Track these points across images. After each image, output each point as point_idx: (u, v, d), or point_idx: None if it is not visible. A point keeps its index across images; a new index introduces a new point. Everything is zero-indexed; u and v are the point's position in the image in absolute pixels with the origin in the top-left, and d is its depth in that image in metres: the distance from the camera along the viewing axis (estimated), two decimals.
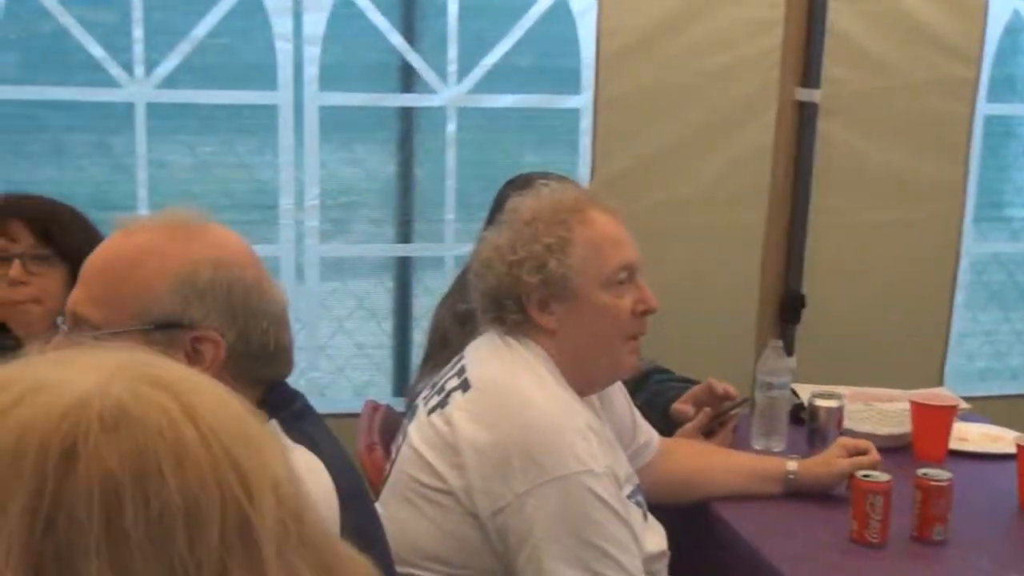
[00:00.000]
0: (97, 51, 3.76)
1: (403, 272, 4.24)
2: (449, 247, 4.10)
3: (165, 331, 1.68)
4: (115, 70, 3.78)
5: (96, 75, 3.77)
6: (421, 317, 4.07)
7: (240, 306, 1.72)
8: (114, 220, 1.82)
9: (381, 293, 4.26)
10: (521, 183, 3.09)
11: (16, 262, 2.67)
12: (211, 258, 1.72)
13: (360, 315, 4.22)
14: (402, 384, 4.09)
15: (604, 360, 2.48)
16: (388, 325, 4.26)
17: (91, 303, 1.71)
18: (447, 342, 3.08)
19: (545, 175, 3.12)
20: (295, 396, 1.83)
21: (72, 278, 2.68)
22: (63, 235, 2.69)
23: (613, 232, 2.43)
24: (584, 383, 2.46)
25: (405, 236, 4.17)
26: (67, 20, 3.73)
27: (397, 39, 3.95)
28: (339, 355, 4.17)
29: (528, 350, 2.43)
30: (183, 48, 3.80)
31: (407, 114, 4.10)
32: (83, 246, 2.69)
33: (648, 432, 2.77)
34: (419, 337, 4.02)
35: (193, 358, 1.69)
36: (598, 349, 2.45)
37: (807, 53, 4.18)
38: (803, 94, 4.18)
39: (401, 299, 4.27)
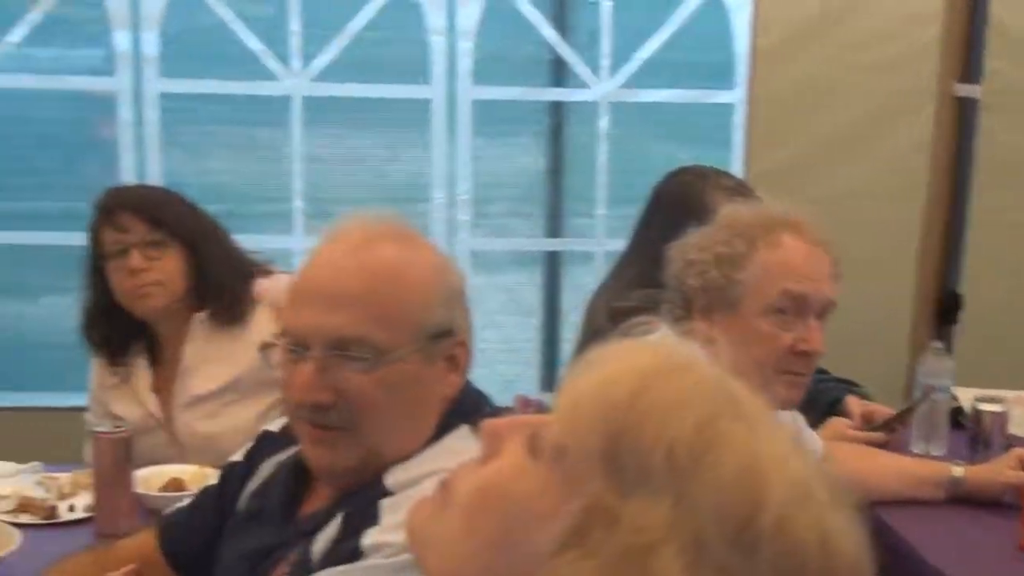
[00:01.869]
0: (255, 44, 3.80)
1: (552, 267, 4.22)
2: (599, 242, 4.07)
3: (439, 341, 1.66)
4: (272, 63, 3.82)
5: (254, 68, 3.82)
6: (569, 312, 4.05)
7: (467, 307, 1.72)
8: (321, 233, 1.74)
9: (529, 287, 4.24)
10: (678, 175, 3.05)
11: (134, 251, 2.72)
12: (446, 262, 1.72)
13: (509, 309, 4.21)
14: (549, 379, 4.07)
15: (754, 385, 2.39)
16: (536, 320, 4.24)
17: (370, 325, 1.61)
18: (600, 337, 3.04)
19: (703, 168, 3.07)
20: (483, 398, 1.81)
21: (186, 256, 2.75)
22: (172, 217, 2.75)
23: (797, 262, 2.30)
24: None
25: (554, 231, 4.14)
26: (226, 14, 3.78)
27: (550, 33, 3.93)
28: (488, 349, 4.15)
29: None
30: (339, 42, 3.82)
31: (558, 108, 4.08)
32: (191, 223, 2.77)
33: (813, 438, 2.70)
34: (567, 332, 4.00)
35: (451, 365, 1.68)
36: (749, 372, 2.37)
37: (967, 47, 4.05)
38: (963, 90, 4.06)
39: (549, 294, 4.24)
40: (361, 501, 1.62)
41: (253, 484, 1.85)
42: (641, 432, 0.90)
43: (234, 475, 1.91)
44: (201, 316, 2.79)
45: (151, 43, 3.80)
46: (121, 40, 3.79)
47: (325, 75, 3.84)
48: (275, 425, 1.92)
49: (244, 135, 4.00)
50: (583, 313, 3.35)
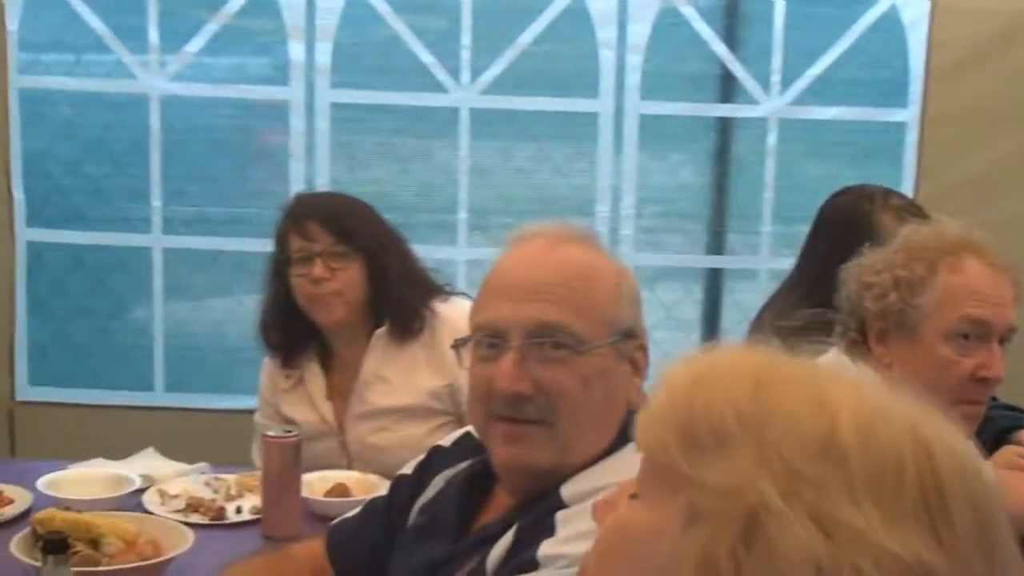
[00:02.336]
0: (427, 57, 3.84)
1: (713, 283, 4.17)
2: (764, 260, 4.01)
3: (626, 341, 1.68)
4: (442, 75, 3.85)
5: (424, 80, 3.85)
6: (729, 330, 3.99)
7: (642, 314, 1.74)
8: (506, 236, 1.79)
9: (688, 303, 4.20)
10: (847, 194, 3.00)
11: (318, 260, 2.77)
12: (625, 267, 1.75)
13: (667, 325, 4.17)
14: None
15: None
16: (695, 336, 4.19)
17: (570, 314, 1.64)
18: None
19: (872, 188, 3.01)
20: None
21: (368, 269, 2.79)
22: (357, 230, 2.80)
23: (980, 286, 2.22)
24: None
25: (717, 247, 4.10)
26: (399, 26, 3.82)
27: (720, 48, 3.89)
28: None
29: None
30: (508, 55, 3.84)
31: (725, 124, 4.03)
32: (375, 237, 2.81)
33: (985, 467, 2.61)
34: None
35: (634, 368, 1.70)
36: (926, 399, 2.29)
37: None
38: None
39: (710, 311, 4.20)
40: (537, 513, 1.62)
41: (424, 498, 1.86)
42: (707, 407, 0.93)
43: (404, 488, 1.92)
44: (381, 332, 2.82)
45: (324, 54, 3.85)
46: (295, 51, 3.85)
47: (493, 88, 3.86)
48: (446, 440, 1.93)
49: (411, 146, 4.03)
50: (748, 331, 3.30)
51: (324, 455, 2.78)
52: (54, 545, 1.50)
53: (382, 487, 2.57)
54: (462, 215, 3.93)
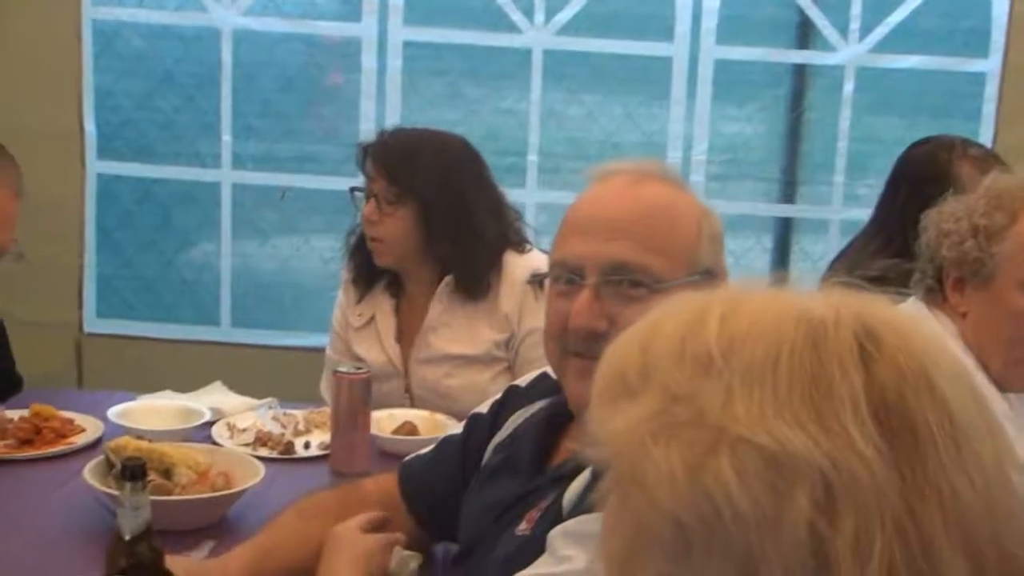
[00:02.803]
0: None
1: (783, 233, 4.12)
2: (835, 210, 3.95)
3: (707, 280, 1.64)
4: (516, 16, 3.80)
5: (497, 20, 3.81)
6: (796, 280, 3.94)
7: (724, 254, 1.71)
8: (588, 172, 1.75)
9: (757, 252, 4.15)
10: (925, 144, 2.95)
11: (371, 201, 2.75)
12: (708, 207, 1.71)
13: (735, 274, 4.10)
14: None
15: (1001, 362, 2.27)
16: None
17: (648, 252, 1.61)
18: None
19: (951, 138, 2.96)
20: None
21: (420, 218, 2.74)
22: (413, 179, 2.72)
23: None
24: (990, 377, 2.28)
25: (789, 197, 4.04)
26: None
27: None
28: None
29: (940, 324, 2.27)
30: None
31: (801, 71, 3.96)
32: (437, 187, 2.73)
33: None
34: None
35: None
36: (999, 350, 2.25)
37: None
38: None
39: (778, 260, 4.14)
40: None
41: (499, 437, 1.84)
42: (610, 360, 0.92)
43: (479, 427, 1.91)
44: (448, 280, 2.80)
45: None
46: None
47: (568, 29, 3.81)
48: (522, 381, 1.91)
49: (483, 87, 3.99)
50: (821, 282, 3.24)
51: (387, 396, 2.78)
52: (132, 471, 1.50)
53: (449, 426, 2.59)
54: (532, 158, 3.90)
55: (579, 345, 1.64)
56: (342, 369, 2.47)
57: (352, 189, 2.86)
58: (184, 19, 3.93)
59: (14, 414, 2.55)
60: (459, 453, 1.92)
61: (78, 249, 3.98)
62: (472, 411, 1.98)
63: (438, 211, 2.75)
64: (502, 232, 2.81)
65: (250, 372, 3.63)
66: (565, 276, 1.66)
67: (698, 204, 1.71)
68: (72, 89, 3.87)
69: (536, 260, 2.76)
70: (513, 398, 1.89)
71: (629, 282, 1.61)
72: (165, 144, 4.02)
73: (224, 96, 3.93)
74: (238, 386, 2.92)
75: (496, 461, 1.81)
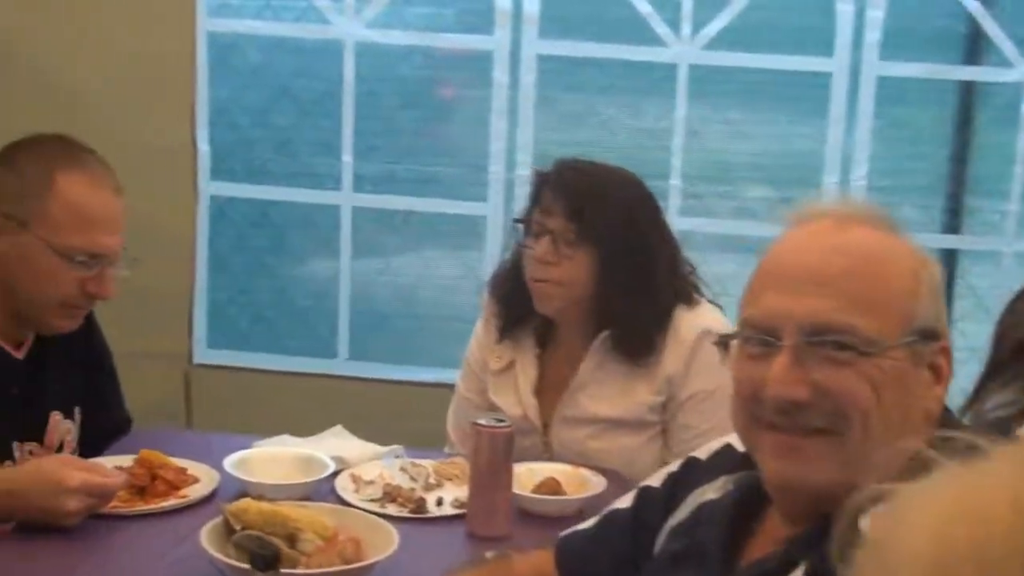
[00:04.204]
0: (644, 7, 3.59)
1: (948, 266, 3.85)
2: (1008, 241, 3.68)
3: (926, 343, 1.44)
4: (661, 28, 3.59)
5: (640, 33, 3.60)
6: (961, 319, 3.68)
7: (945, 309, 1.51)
8: (786, 216, 1.55)
9: None
10: None
11: (546, 240, 2.54)
12: (926, 254, 1.51)
13: None
14: None
15: None
16: None
17: (856, 310, 1.41)
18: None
19: None
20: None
21: (598, 265, 2.54)
22: (595, 218, 2.52)
23: None
24: None
25: (954, 226, 3.77)
26: None
27: (973, 4, 3.55)
28: None
29: None
30: (735, 6, 3.56)
31: (970, 88, 3.70)
32: (621, 232, 2.53)
33: None
34: (958, 341, 3.63)
35: (934, 375, 1.46)
36: None
37: None
38: None
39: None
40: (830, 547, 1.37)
41: (676, 518, 1.63)
42: None
43: (651, 505, 1.69)
44: (604, 336, 2.60)
45: (533, 1, 3.63)
46: None
47: (717, 43, 3.59)
48: (702, 452, 1.70)
49: (621, 104, 3.78)
50: (998, 323, 2.99)
51: (526, 451, 2.57)
52: (266, 561, 1.31)
53: (596, 484, 2.42)
54: (674, 182, 3.68)
55: (776, 417, 1.43)
56: (482, 422, 2.29)
57: (516, 220, 2.66)
58: (304, 31, 3.80)
59: (122, 460, 2.40)
60: (627, 533, 1.71)
61: (189, 274, 3.86)
62: (641, 483, 1.76)
63: (619, 258, 2.54)
64: (677, 287, 2.60)
65: (369, 408, 3.54)
66: (758, 337, 1.45)
67: (915, 251, 1.50)
68: (185, 105, 3.76)
69: (708, 316, 2.57)
70: (692, 473, 1.67)
71: (834, 344, 1.40)
72: (281, 163, 3.90)
73: (346, 113, 3.79)
74: (357, 425, 2.77)
75: (675, 548, 1.60)
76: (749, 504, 1.53)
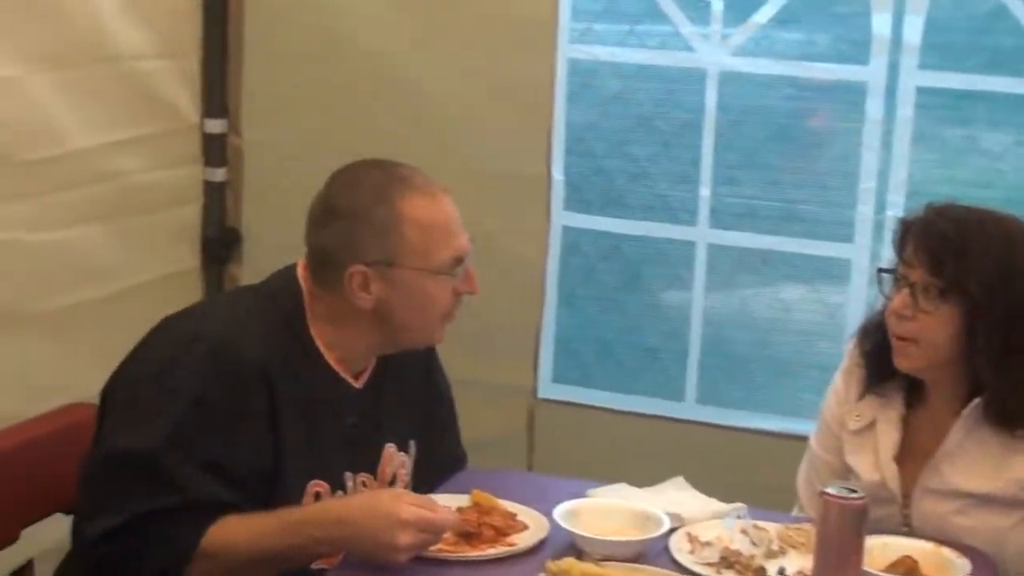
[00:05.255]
0: None
1: None
2: None
3: None
4: None
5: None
6: None
7: None
8: None
9: None
10: None
11: (905, 292, 2.39)
12: None
13: None
14: None
15: None
16: None
17: None
18: None
19: None
20: None
21: (965, 326, 2.33)
22: (964, 274, 2.33)
23: None
24: None
25: None
26: None
27: None
28: None
29: None
30: None
31: None
32: (990, 292, 2.31)
33: None
34: None
35: None
36: None
37: None
38: None
39: None
40: None
41: None
42: None
43: None
44: (977, 402, 2.41)
45: (914, 29, 3.45)
46: (880, 24, 3.47)
47: None
48: None
49: (1009, 139, 3.53)
50: None
51: (880, 523, 2.39)
52: None
53: (959, 567, 2.24)
54: None
55: None
56: (832, 491, 2.13)
57: (881, 270, 2.50)
58: (667, 59, 3.75)
59: (454, 499, 2.38)
60: None
61: (537, 305, 3.87)
62: None
63: (991, 317, 2.34)
64: None
65: (713, 456, 3.48)
66: None
67: None
68: (542, 132, 3.77)
69: None
70: None
71: None
72: (636, 195, 3.85)
73: (706, 144, 3.72)
74: (699, 473, 2.67)
75: None
76: None
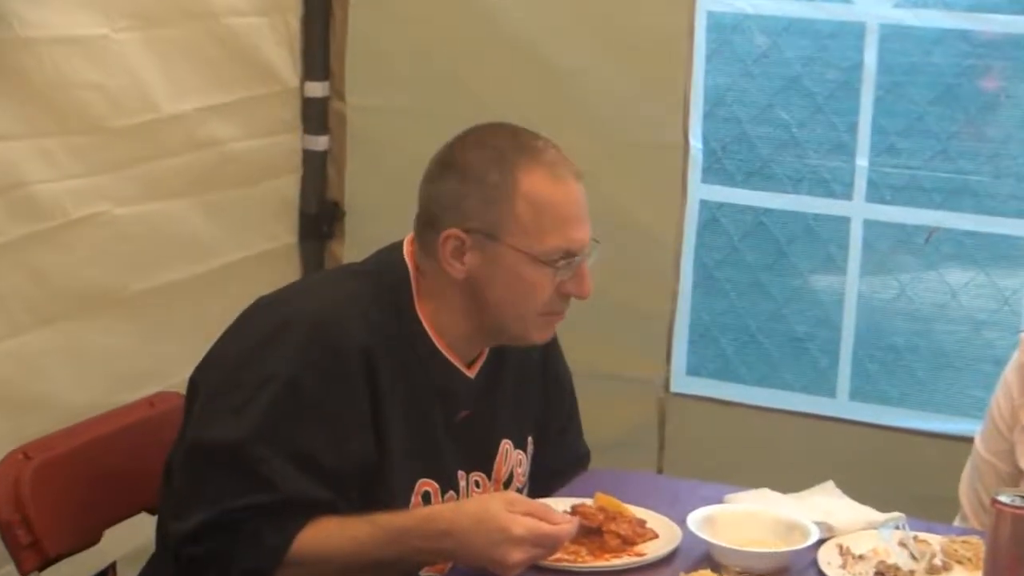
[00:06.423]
0: None
1: None
2: None
3: None
4: None
5: None
6: None
7: None
8: None
9: None
10: None
11: None
12: None
13: None
14: None
15: None
16: None
17: None
18: None
19: None
20: None
21: None
22: None
23: None
24: None
25: None
26: None
27: None
28: None
29: None
30: None
31: None
32: None
33: None
34: None
35: None
36: None
37: None
38: None
39: None
40: None
41: None
42: None
43: None
44: None
45: None
46: None
47: None
48: None
49: None
50: None
51: None
52: None
53: None
54: None
55: None
56: (1004, 499, 2.10)
57: None
58: (821, 11, 3.75)
59: (576, 502, 2.37)
60: None
61: (671, 289, 3.88)
62: None
63: None
64: None
65: (868, 460, 3.50)
66: None
67: None
68: (678, 95, 3.78)
69: None
70: None
71: None
72: (783, 166, 3.86)
73: (863, 108, 3.71)
74: (851, 478, 2.65)
75: None
76: None
